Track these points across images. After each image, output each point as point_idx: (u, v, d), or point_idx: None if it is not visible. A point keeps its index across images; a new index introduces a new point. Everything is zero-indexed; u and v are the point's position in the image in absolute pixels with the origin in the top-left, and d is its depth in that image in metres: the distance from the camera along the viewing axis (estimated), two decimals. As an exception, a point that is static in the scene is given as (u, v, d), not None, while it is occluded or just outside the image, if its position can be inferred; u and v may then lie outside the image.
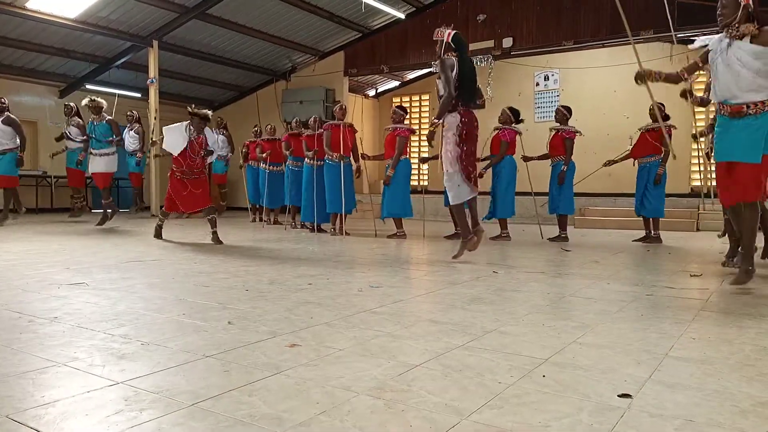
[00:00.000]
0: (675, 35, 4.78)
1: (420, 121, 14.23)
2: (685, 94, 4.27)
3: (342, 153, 7.16)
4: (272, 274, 4.03)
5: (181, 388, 1.71)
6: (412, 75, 14.23)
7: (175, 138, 5.98)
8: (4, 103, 8.08)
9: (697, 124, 5.53)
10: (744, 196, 3.31)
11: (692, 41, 3.61)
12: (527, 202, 8.61)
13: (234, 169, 11.69)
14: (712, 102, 3.72)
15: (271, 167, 9.19)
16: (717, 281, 3.89)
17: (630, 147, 7.05)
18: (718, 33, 3.43)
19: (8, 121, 8.02)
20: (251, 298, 3.15)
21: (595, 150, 9.95)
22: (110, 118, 8.46)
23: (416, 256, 5.58)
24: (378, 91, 15.06)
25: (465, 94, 4.77)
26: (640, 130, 6.90)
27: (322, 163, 7.47)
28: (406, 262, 5.18)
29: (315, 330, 2.44)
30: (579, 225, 9.64)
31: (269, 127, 9.52)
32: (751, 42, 3.16)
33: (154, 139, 7.81)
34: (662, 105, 6.61)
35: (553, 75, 12.24)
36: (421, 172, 13.48)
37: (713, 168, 3.91)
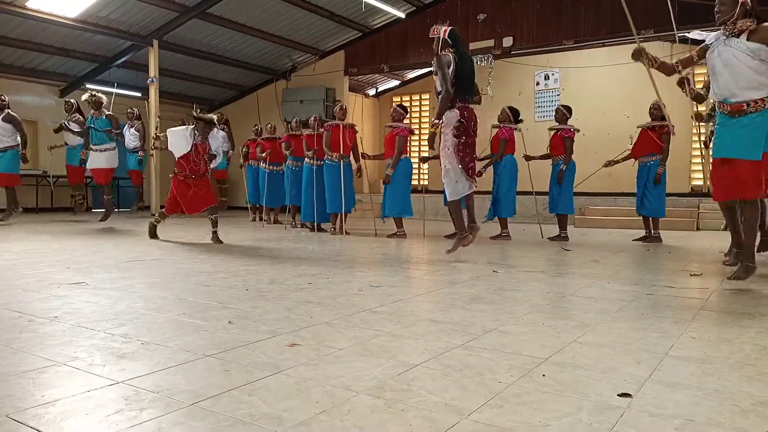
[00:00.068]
0: (676, 34, 4.77)
1: (420, 120, 14.23)
2: (683, 82, 4.26)
3: (342, 153, 7.16)
4: (272, 274, 4.03)
5: (181, 387, 1.72)
6: (412, 74, 14.23)
7: (178, 141, 5.94)
8: (4, 101, 8.08)
9: (699, 108, 5.50)
10: (744, 193, 3.30)
11: (694, 40, 3.61)
12: (528, 202, 8.61)
13: (234, 168, 11.69)
14: (709, 99, 3.71)
15: (270, 167, 9.19)
16: (717, 281, 3.89)
17: (630, 146, 7.05)
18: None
19: (8, 119, 8.03)
20: (251, 297, 3.15)
21: (596, 149, 9.96)
22: (109, 113, 8.45)
23: (416, 256, 5.58)
24: (378, 90, 15.06)
25: (463, 90, 4.76)
26: (639, 127, 6.90)
27: (321, 162, 7.47)
28: (406, 261, 5.18)
29: (315, 329, 2.44)
30: (579, 224, 9.64)
31: (269, 126, 9.52)
32: (748, 39, 3.15)
33: (157, 134, 7.78)
34: (662, 104, 6.62)
35: (553, 74, 12.23)
36: (421, 171, 13.49)
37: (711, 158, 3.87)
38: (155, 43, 11.03)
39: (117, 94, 9.98)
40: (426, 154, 9.99)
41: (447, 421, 1.49)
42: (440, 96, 4.77)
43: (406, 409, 1.57)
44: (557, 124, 7.05)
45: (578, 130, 7.02)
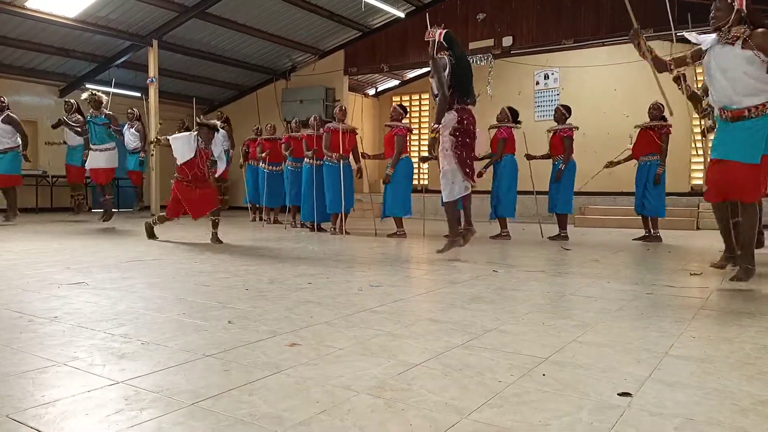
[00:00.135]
0: (674, 34, 4.77)
1: (420, 119, 14.23)
2: (678, 79, 4.25)
3: (341, 153, 7.16)
4: (272, 274, 4.03)
5: (181, 387, 1.72)
6: (412, 74, 14.23)
7: (182, 147, 5.89)
8: (4, 102, 8.08)
9: (703, 120, 5.50)
10: (742, 196, 3.30)
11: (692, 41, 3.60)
12: (528, 201, 8.61)
13: (234, 168, 11.68)
14: (705, 101, 3.71)
15: (270, 167, 9.19)
16: (717, 280, 3.89)
17: (630, 146, 7.05)
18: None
19: (8, 120, 8.04)
20: (251, 297, 3.15)
21: (596, 149, 9.96)
22: (108, 112, 8.42)
23: (416, 255, 5.58)
24: (378, 90, 15.05)
25: (461, 92, 4.76)
26: (638, 127, 6.90)
27: (321, 163, 7.47)
28: (406, 261, 5.18)
29: (315, 329, 2.44)
30: (579, 224, 9.64)
31: (269, 126, 9.51)
32: (743, 47, 3.14)
33: (158, 138, 7.75)
34: (661, 105, 6.63)
35: (553, 74, 12.23)
36: (421, 170, 13.48)
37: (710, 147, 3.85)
38: (155, 43, 11.02)
39: (117, 94, 9.97)
40: (426, 154, 9.98)
41: (447, 420, 1.49)
42: (437, 99, 4.77)
43: (406, 408, 1.57)
44: (556, 124, 7.06)
45: (577, 128, 7.02)
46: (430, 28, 4.94)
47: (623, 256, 5.53)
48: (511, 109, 7.14)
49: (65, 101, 9.45)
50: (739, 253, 3.48)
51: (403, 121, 7.18)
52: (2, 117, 8.00)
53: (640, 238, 6.94)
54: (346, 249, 5.85)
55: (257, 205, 9.95)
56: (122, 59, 11.60)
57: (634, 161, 6.93)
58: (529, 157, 7.19)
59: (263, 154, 9.23)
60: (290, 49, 12.72)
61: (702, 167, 9.71)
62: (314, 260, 4.83)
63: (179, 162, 5.95)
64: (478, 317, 2.69)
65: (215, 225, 6.20)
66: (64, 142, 9.63)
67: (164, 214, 6.26)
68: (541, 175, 7.51)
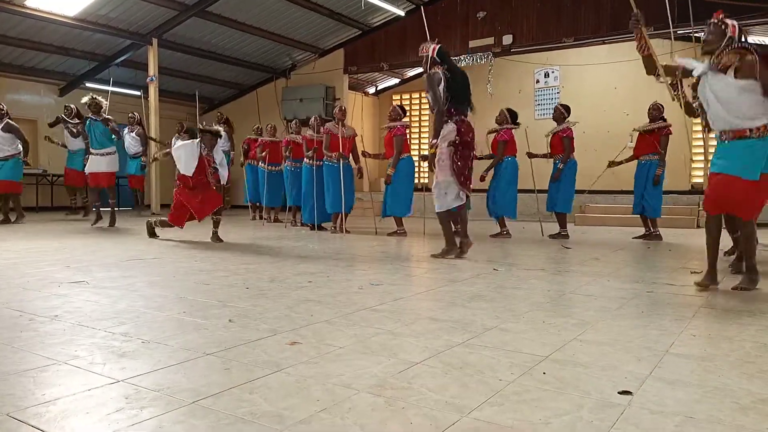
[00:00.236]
0: (671, 32, 4.76)
1: (420, 118, 14.22)
2: (675, 85, 4.24)
3: (341, 152, 7.15)
4: (272, 272, 4.03)
5: (181, 386, 1.72)
6: (411, 72, 14.22)
7: (187, 157, 5.87)
8: (3, 109, 8.12)
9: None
10: (739, 212, 3.32)
11: (697, 38, 3.58)
12: (528, 200, 8.61)
13: (235, 167, 11.67)
14: (702, 121, 3.70)
15: (270, 167, 9.20)
16: (717, 278, 3.88)
17: (630, 144, 7.05)
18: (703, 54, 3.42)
19: (8, 128, 8.11)
20: (252, 296, 3.15)
21: (596, 147, 9.96)
22: (106, 116, 8.35)
23: (417, 254, 5.58)
24: (378, 88, 15.05)
25: (458, 104, 4.78)
26: (636, 130, 6.89)
27: (321, 163, 7.47)
28: (406, 259, 5.18)
29: (315, 328, 2.44)
30: (579, 222, 9.63)
31: (270, 126, 9.49)
32: (735, 76, 3.15)
33: (156, 157, 7.69)
34: (661, 106, 6.63)
35: (553, 72, 12.23)
36: (422, 169, 13.47)
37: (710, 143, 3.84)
38: (155, 41, 11.01)
39: (117, 93, 9.96)
40: (426, 153, 9.97)
41: (447, 419, 1.49)
42: (434, 113, 4.80)
43: (407, 407, 1.57)
44: (555, 124, 7.05)
45: (575, 123, 7.02)
46: (424, 43, 4.98)
47: (623, 254, 5.53)
48: (510, 110, 7.13)
49: (65, 106, 9.43)
50: (745, 264, 3.51)
51: (402, 120, 7.17)
52: (2, 125, 8.04)
53: (640, 237, 6.94)
54: (347, 247, 5.85)
55: (257, 204, 9.96)
56: (122, 58, 11.59)
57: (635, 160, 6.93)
58: (530, 155, 7.19)
59: (263, 154, 9.23)
60: (290, 47, 12.71)
61: (702, 165, 9.72)
62: (314, 259, 4.83)
63: (183, 172, 5.92)
64: (478, 316, 2.69)
65: (216, 224, 6.20)
66: (64, 146, 9.63)
67: (166, 219, 6.22)
68: (543, 173, 7.50)
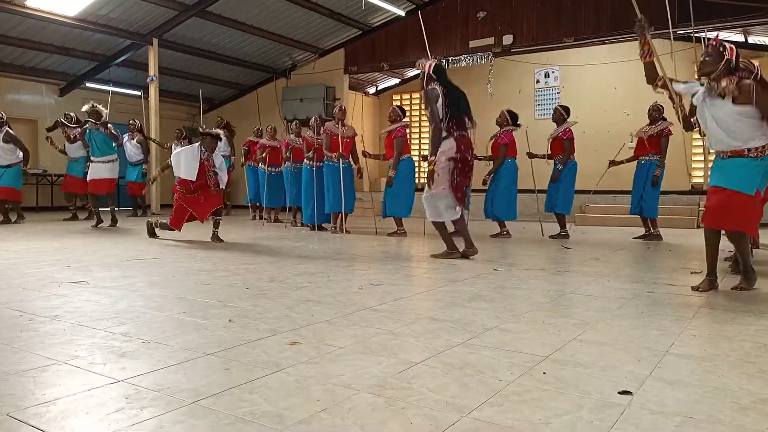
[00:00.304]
0: (671, 32, 4.76)
1: (420, 119, 14.22)
2: (679, 96, 4.24)
3: (341, 153, 7.15)
4: (273, 272, 4.03)
5: (181, 386, 1.72)
6: (412, 72, 14.19)
7: (189, 163, 5.86)
8: (2, 117, 8.15)
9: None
10: (736, 225, 3.34)
11: (697, 39, 3.57)
12: (528, 200, 8.61)
13: (235, 166, 11.69)
14: (702, 136, 3.71)
15: (270, 168, 9.20)
16: (717, 278, 3.88)
17: (631, 144, 7.06)
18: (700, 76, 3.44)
19: (8, 139, 8.17)
20: (252, 296, 3.15)
21: (596, 147, 9.95)
22: (104, 120, 8.29)
23: (417, 254, 5.58)
24: (378, 88, 15.04)
25: (457, 119, 4.78)
26: (638, 135, 6.89)
27: (321, 163, 7.47)
28: (406, 259, 5.18)
29: (315, 328, 2.44)
30: (579, 222, 9.63)
31: (270, 128, 9.48)
32: (734, 102, 3.17)
33: (156, 177, 7.68)
34: (661, 107, 6.63)
35: (553, 72, 12.22)
36: (422, 170, 13.46)
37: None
38: (155, 41, 11.01)
39: (117, 93, 9.93)
40: (426, 153, 9.96)
41: (447, 419, 1.49)
42: (433, 129, 4.82)
43: (407, 407, 1.57)
44: (555, 125, 7.05)
45: (575, 122, 7.02)
46: (420, 59, 5.02)
47: (623, 254, 5.53)
48: (510, 112, 7.13)
49: (65, 114, 9.41)
50: (741, 267, 3.54)
51: (402, 120, 7.16)
52: (2, 135, 8.10)
53: (640, 237, 6.94)
54: (347, 248, 5.85)
55: (257, 204, 9.97)
56: (122, 58, 11.59)
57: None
58: (530, 155, 7.20)
59: (263, 154, 9.24)
60: (290, 47, 12.71)
61: (702, 165, 9.73)
62: (314, 259, 4.83)
63: (185, 177, 5.91)
64: (478, 316, 2.69)
65: (217, 224, 6.21)
66: (62, 152, 9.61)
67: (167, 222, 6.21)
68: (543, 173, 7.51)
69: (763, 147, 3.21)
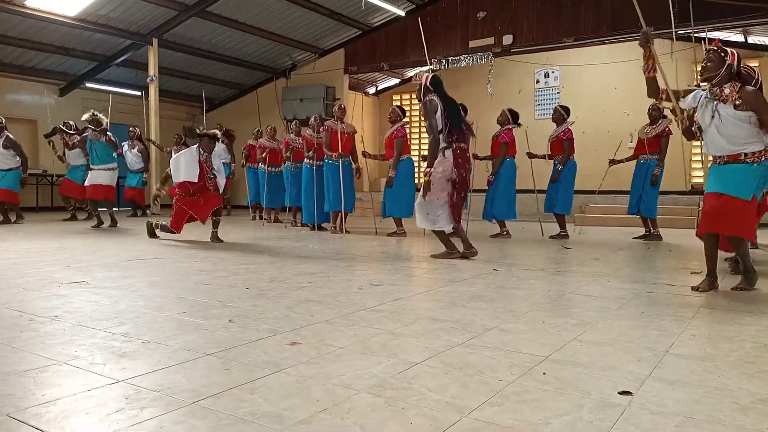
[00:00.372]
0: (673, 32, 4.76)
1: (420, 119, 14.20)
2: (675, 111, 4.25)
3: (341, 152, 7.15)
4: (272, 272, 4.03)
5: (181, 386, 1.72)
6: (412, 72, 14.20)
7: (189, 166, 5.85)
8: (2, 123, 8.16)
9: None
10: (734, 230, 3.35)
11: (698, 39, 3.57)
12: (528, 200, 8.61)
13: (236, 169, 11.69)
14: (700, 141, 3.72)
15: (270, 168, 9.21)
16: (717, 278, 3.88)
17: (630, 144, 7.06)
18: (701, 82, 3.44)
19: (8, 144, 8.20)
20: (252, 296, 3.15)
21: (596, 147, 9.95)
22: (103, 127, 8.24)
23: (416, 254, 5.58)
24: (378, 88, 15.04)
25: (457, 129, 4.78)
26: (639, 137, 6.89)
27: (321, 163, 7.47)
28: (406, 259, 5.18)
29: (315, 328, 2.44)
30: (579, 222, 9.62)
31: (269, 128, 9.48)
32: (736, 107, 3.19)
33: (156, 195, 7.69)
34: (661, 106, 6.63)
35: (553, 72, 12.22)
36: (422, 170, 13.46)
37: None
38: (155, 41, 11.01)
39: (117, 93, 9.91)
40: (426, 153, 9.97)
41: (447, 419, 1.49)
42: (430, 141, 4.82)
43: (407, 407, 1.57)
44: (555, 125, 7.06)
45: (572, 122, 7.02)
46: (418, 71, 5.02)
47: (623, 254, 5.53)
48: (511, 110, 7.13)
49: (64, 122, 9.39)
50: (742, 268, 3.55)
51: (402, 120, 7.16)
52: (2, 141, 8.12)
53: (640, 237, 6.94)
54: (347, 248, 5.85)
55: (258, 204, 9.97)
56: (122, 58, 11.59)
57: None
58: (530, 155, 7.20)
59: (263, 155, 9.24)
60: (290, 47, 12.71)
61: (702, 165, 9.72)
62: (314, 259, 4.83)
63: (186, 179, 5.89)
64: (478, 316, 2.69)
65: (216, 224, 6.21)
66: (60, 158, 9.60)
67: (167, 224, 6.20)
68: (543, 174, 7.51)
69: (760, 152, 3.24)
